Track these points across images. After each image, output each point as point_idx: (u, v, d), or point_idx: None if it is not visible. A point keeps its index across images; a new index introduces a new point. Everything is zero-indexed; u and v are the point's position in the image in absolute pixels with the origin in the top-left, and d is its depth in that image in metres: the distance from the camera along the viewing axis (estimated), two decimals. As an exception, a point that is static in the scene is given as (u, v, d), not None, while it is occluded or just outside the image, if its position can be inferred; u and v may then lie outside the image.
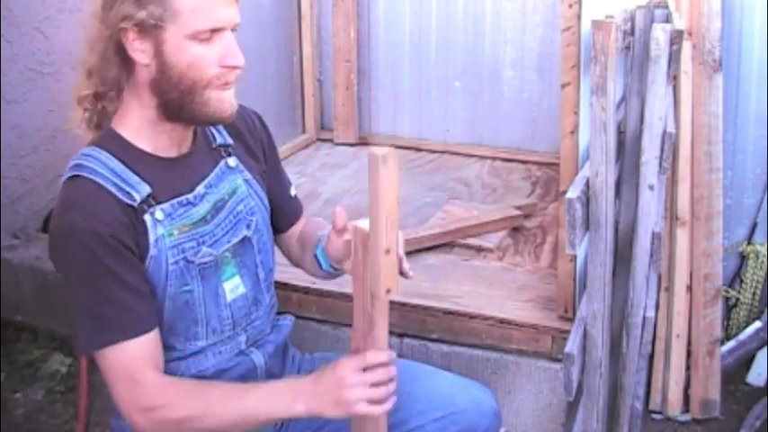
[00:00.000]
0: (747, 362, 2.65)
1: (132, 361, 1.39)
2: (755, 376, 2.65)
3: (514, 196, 3.21)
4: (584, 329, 1.84)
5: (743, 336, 2.65)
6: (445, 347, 2.33)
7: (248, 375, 1.60)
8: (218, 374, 1.56)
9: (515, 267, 2.62)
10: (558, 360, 2.20)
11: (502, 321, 2.28)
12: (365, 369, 1.37)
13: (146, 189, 1.44)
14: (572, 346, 1.78)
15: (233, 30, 1.42)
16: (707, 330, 2.50)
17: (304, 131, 3.85)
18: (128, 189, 1.42)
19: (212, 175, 1.55)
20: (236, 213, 1.57)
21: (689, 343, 2.51)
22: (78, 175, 1.42)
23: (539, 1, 3.54)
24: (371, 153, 1.24)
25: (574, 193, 1.69)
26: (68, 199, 1.42)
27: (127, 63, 1.43)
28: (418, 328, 2.36)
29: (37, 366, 2.73)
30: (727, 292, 2.71)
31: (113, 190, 1.41)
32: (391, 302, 2.28)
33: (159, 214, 1.45)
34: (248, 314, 1.60)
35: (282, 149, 3.44)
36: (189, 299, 1.49)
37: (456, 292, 2.42)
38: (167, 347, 1.49)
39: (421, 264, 2.62)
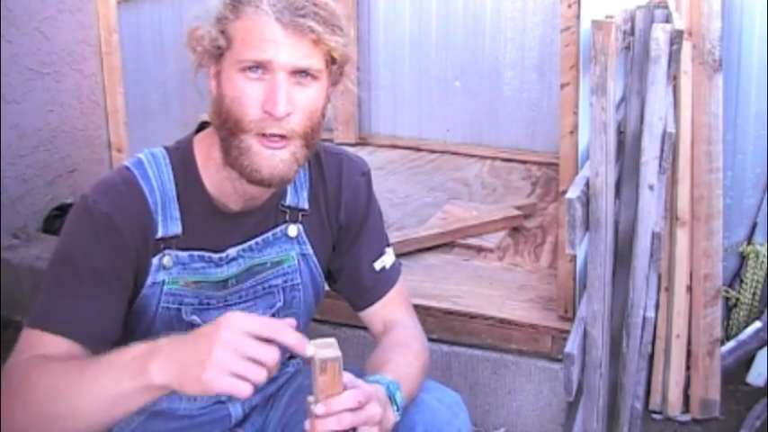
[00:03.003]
0: (747, 362, 2.65)
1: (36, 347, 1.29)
2: (755, 376, 2.65)
3: (514, 196, 3.21)
4: (584, 329, 1.84)
5: (743, 336, 2.64)
6: (445, 347, 2.33)
7: (218, 423, 1.47)
8: (188, 417, 1.46)
9: (515, 267, 2.62)
10: (558, 360, 2.20)
11: (502, 321, 2.28)
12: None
13: (176, 230, 1.33)
14: (572, 346, 1.78)
15: (293, 74, 1.23)
16: (707, 330, 2.50)
17: (304, 131, 3.85)
18: (159, 219, 1.32)
19: (261, 238, 1.40)
20: (269, 286, 1.43)
21: (689, 343, 2.51)
22: (133, 175, 1.32)
23: (539, 1, 3.54)
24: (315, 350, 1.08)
25: (574, 193, 1.68)
26: (112, 186, 1.31)
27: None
28: (418, 328, 2.35)
29: (37, 366, 2.73)
30: (728, 292, 2.70)
31: (151, 203, 1.31)
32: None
33: (168, 261, 1.33)
34: None
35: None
36: None
37: (456, 292, 2.42)
38: None
39: (421, 264, 2.62)
